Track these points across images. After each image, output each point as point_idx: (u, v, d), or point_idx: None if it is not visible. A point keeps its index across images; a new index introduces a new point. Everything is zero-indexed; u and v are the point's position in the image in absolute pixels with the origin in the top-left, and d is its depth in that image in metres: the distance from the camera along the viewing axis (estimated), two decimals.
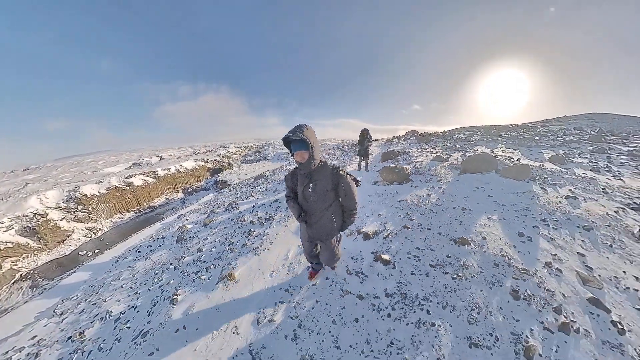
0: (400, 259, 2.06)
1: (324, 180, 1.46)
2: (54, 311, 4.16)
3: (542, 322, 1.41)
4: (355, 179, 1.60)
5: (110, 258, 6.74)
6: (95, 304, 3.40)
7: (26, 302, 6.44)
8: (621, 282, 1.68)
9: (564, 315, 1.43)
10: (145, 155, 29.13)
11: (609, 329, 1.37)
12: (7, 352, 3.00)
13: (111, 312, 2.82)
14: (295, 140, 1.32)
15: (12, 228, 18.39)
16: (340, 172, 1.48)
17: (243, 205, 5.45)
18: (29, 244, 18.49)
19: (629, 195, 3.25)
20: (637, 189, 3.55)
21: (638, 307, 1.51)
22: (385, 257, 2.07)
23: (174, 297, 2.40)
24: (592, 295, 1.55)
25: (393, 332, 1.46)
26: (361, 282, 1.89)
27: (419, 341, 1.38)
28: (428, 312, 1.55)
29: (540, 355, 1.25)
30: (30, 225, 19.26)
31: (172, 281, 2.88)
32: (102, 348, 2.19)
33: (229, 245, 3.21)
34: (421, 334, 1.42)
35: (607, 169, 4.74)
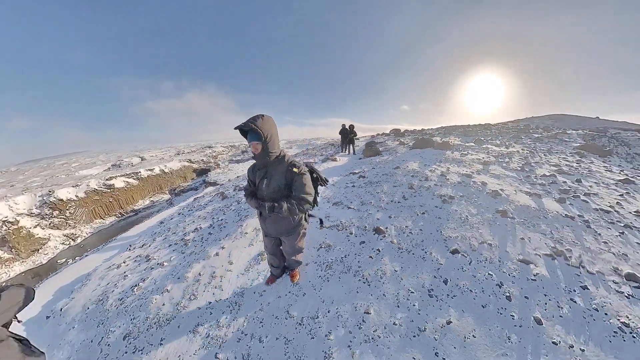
0: (369, 175, 4.61)
1: (278, 176, 1.48)
2: (128, 248, 4.95)
3: (419, 180, 3.95)
4: (321, 178, 1.66)
5: (147, 228, 8.18)
6: (175, 232, 4.65)
7: (71, 265, 7.36)
8: (461, 174, 4.30)
9: (430, 179, 3.99)
10: (124, 156, 29.17)
11: (450, 179, 3.94)
12: (109, 266, 3.94)
13: (200, 226, 4.31)
14: (249, 130, 1.34)
15: None
16: (295, 169, 1.46)
17: None
18: None
19: (498, 153, 6.14)
20: (507, 151, 6.48)
21: (459, 178, 4.10)
22: (364, 175, 4.58)
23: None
24: (443, 175, 4.15)
25: (368, 190, 3.94)
26: (353, 184, 4.37)
27: (377, 191, 3.86)
28: (380, 184, 4.06)
29: (418, 186, 3.75)
30: None
31: (243, 207, 4.60)
32: (211, 233, 3.78)
33: None
34: (378, 188, 3.91)
35: (505, 145, 7.78)
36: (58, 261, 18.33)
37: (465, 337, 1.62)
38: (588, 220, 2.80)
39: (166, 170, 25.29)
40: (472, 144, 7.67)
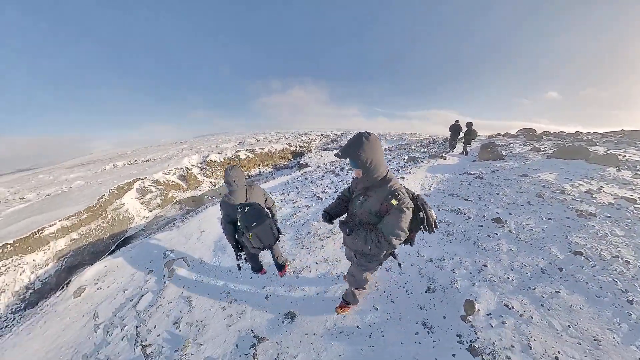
0: (488, 177, 4.98)
1: (374, 199, 1.41)
2: (269, 194, 8.02)
3: (552, 191, 3.98)
4: (429, 222, 1.42)
5: (273, 185, 11.53)
6: (305, 190, 6.50)
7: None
8: (619, 196, 3.89)
9: (567, 193, 3.93)
10: (247, 137, 40.17)
11: (598, 198, 3.80)
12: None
13: (327, 190, 6.08)
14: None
15: (175, 174, 30.13)
16: (394, 201, 1.31)
17: None
18: (181, 184, 29.80)
19: None
20: None
21: (614, 200, 3.78)
22: (481, 177, 5.00)
23: None
24: (588, 193, 3.93)
25: (487, 190, 4.41)
26: (469, 182, 4.89)
27: (497, 192, 4.26)
28: (501, 187, 4.42)
29: (548, 197, 3.88)
30: (183, 174, 30.79)
31: None
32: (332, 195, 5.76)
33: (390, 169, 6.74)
34: (499, 190, 4.30)
35: None
36: (205, 196, 28.46)
37: (572, 306, 1.91)
38: None
39: (272, 150, 32.64)
40: None
